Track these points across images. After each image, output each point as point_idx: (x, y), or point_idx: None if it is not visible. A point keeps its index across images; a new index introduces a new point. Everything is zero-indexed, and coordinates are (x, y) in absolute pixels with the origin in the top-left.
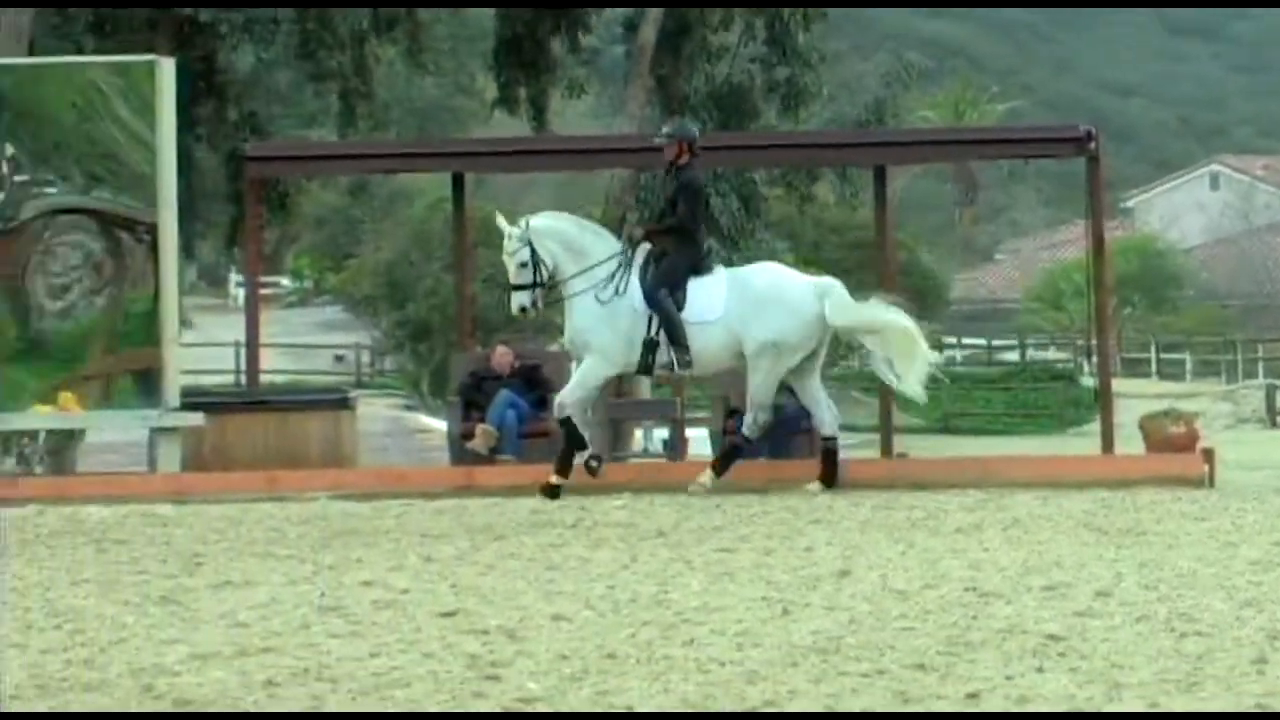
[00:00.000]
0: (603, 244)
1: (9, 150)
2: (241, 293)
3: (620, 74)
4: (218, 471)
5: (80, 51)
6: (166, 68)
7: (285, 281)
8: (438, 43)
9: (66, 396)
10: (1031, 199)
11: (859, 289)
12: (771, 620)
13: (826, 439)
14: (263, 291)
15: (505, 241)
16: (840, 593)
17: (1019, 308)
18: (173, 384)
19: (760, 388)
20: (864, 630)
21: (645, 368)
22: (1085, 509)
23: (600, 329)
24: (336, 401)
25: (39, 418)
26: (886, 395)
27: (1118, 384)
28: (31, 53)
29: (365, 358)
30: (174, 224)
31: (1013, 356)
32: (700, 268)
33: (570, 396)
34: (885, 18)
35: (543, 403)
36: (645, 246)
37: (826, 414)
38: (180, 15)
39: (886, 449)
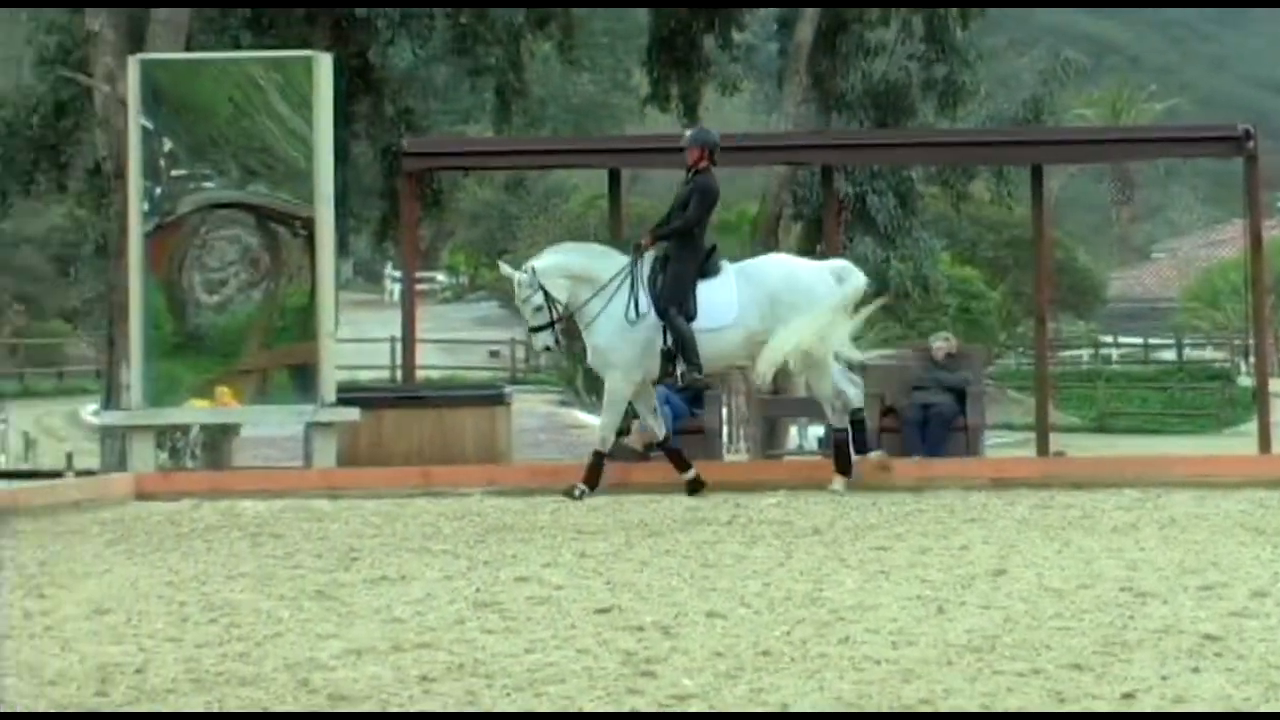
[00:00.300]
0: (609, 263)
1: (167, 145)
2: (397, 288)
3: (775, 70)
4: (373, 467)
5: (238, 47)
6: (324, 63)
7: (441, 277)
8: (594, 38)
9: (223, 391)
10: (1189, 198)
11: (1016, 287)
12: (926, 619)
13: (839, 428)
14: (418, 287)
15: (516, 289)
16: (996, 591)
17: (1176, 307)
18: (329, 379)
19: (822, 387)
20: (1019, 629)
21: (664, 376)
22: (1242, 509)
23: (619, 345)
24: (492, 397)
25: (196, 412)
26: (1044, 394)
27: (1274, 384)
28: (189, 48)
29: (520, 353)
30: (330, 219)
31: (1169, 356)
32: (706, 270)
33: (607, 429)
34: (1043, 14)
35: (698, 400)
36: (650, 255)
37: (850, 388)
38: (337, 11)
39: (1043, 448)
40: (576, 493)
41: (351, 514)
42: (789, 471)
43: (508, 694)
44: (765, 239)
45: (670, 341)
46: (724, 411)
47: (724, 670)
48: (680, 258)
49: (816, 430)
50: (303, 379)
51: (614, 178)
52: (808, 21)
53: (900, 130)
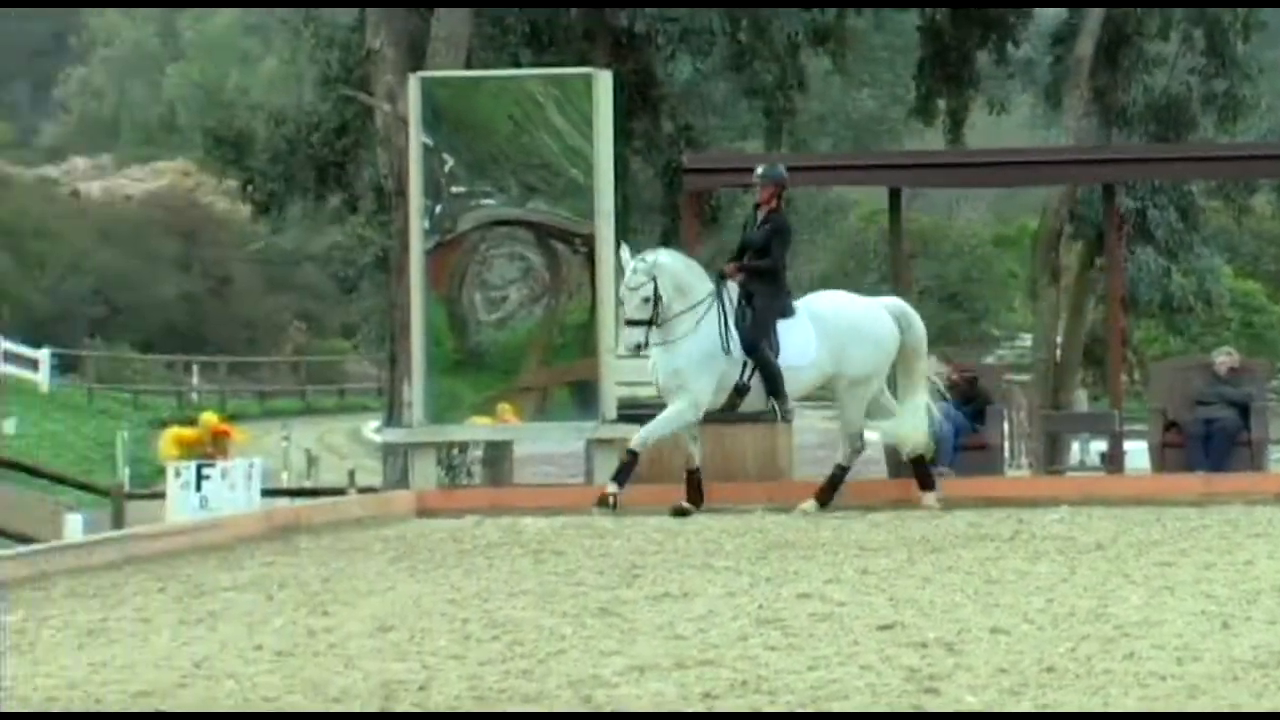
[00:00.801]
0: (702, 284)
1: (447, 162)
2: None
3: (1050, 85)
4: (654, 484)
5: (517, 63)
6: (603, 80)
7: None
8: (873, 53)
9: (504, 408)
10: None
11: None
12: (1212, 634)
13: (843, 465)
14: None
15: (629, 275)
16: None
17: None
18: (609, 396)
19: (853, 419)
20: None
21: (729, 407)
22: None
23: (701, 374)
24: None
25: (478, 429)
26: None
27: None
28: (469, 66)
29: None
30: (611, 235)
31: None
32: (785, 311)
33: (651, 436)
34: None
35: (980, 415)
36: (733, 286)
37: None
38: (616, 27)
39: None
40: (610, 500)
41: (633, 530)
42: (1072, 487)
43: (791, 711)
44: (1046, 254)
45: (748, 376)
46: (1005, 426)
47: (1008, 687)
48: (764, 295)
49: (1099, 445)
50: (583, 396)
51: (894, 195)
52: (1088, 35)
53: (1181, 145)
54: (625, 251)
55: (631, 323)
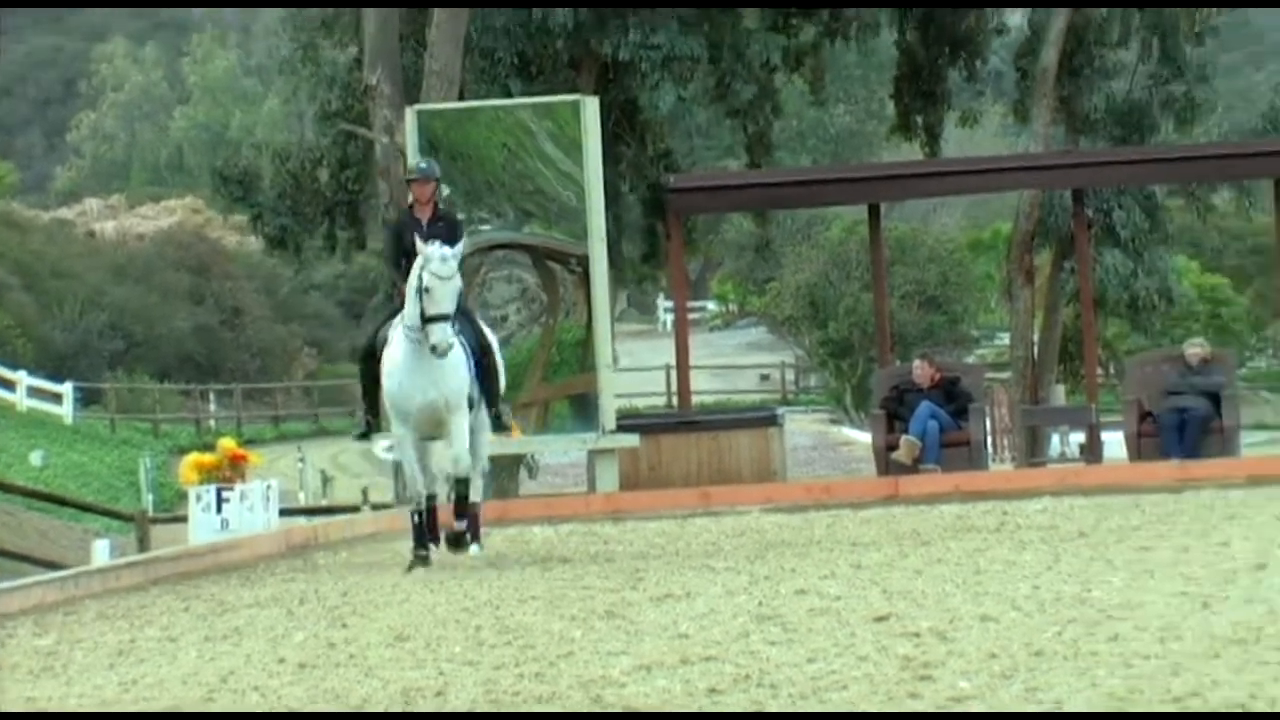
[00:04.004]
0: None
1: (445, 190)
2: (669, 318)
3: (1017, 95)
4: (654, 490)
5: (507, 93)
6: (591, 107)
7: (710, 305)
8: (847, 70)
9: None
10: None
11: (1262, 291)
12: (1192, 614)
13: None
14: (689, 316)
15: None
16: (1258, 585)
17: None
18: (608, 408)
19: None
20: None
21: None
22: None
23: None
24: (765, 419)
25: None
26: None
27: None
28: (462, 97)
29: (789, 375)
30: (604, 255)
31: None
32: None
33: None
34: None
35: (963, 413)
36: None
37: None
38: (601, 55)
39: None
40: None
41: (635, 535)
42: (1053, 478)
43: (793, 703)
44: (1019, 257)
45: None
46: (987, 423)
47: (999, 671)
48: None
49: (1077, 437)
50: (583, 408)
51: (873, 207)
52: (1051, 46)
53: (1144, 148)
54: None
55: (442, 318)
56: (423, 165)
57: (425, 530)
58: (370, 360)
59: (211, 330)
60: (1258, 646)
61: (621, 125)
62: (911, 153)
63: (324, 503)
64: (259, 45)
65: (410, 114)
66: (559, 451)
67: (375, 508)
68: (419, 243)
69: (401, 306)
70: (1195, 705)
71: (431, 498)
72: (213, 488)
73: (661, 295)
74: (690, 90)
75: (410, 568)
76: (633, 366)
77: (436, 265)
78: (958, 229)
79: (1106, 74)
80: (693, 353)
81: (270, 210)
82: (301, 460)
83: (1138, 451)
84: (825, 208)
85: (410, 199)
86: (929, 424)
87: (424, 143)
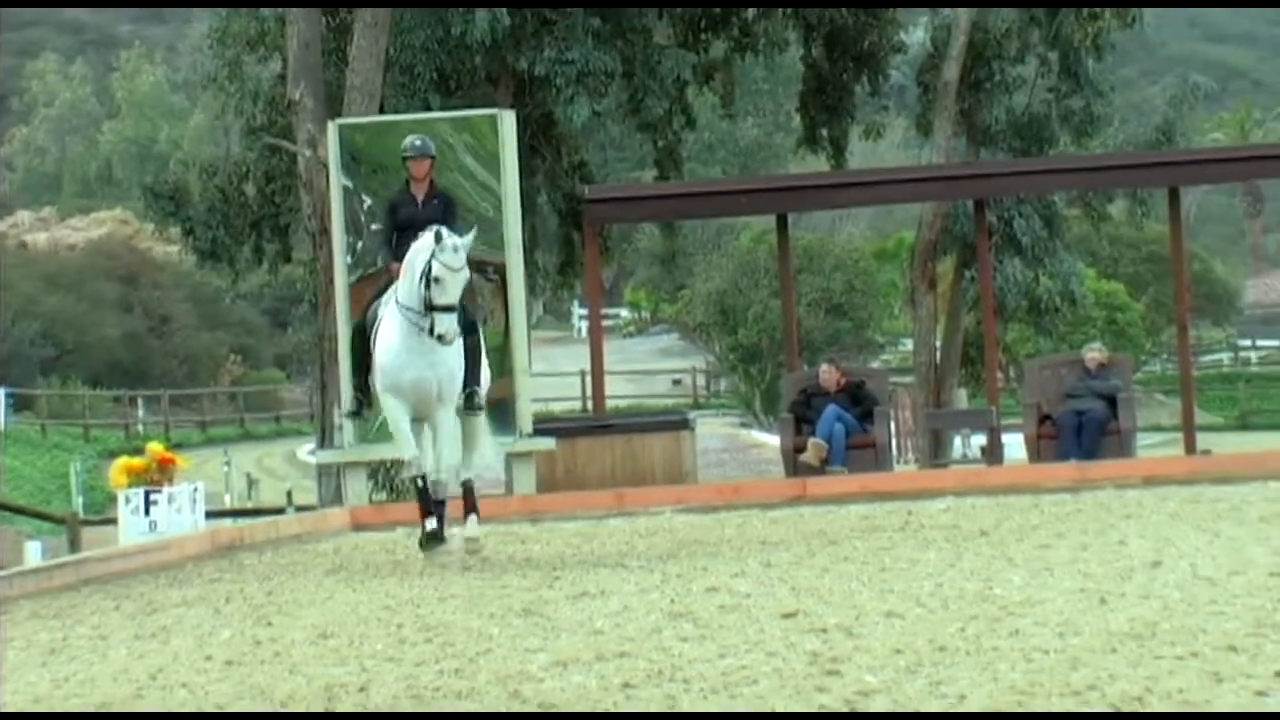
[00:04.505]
0: None
1: (366, 201)
2: (584, 325)
3: (920, 109)
4: (570, 491)
5: (427, 108)
6: (508, 120)
7: (624, 312)
8: (755, 85)
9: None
10: None
11: (1157, 298)
12: (1090, 610)
13: None
14: (604, 323)
15: None
16: (1153, 582)
17: None
18: (525, 412)
19: None
20: (1176, 616)
21: None
22: None
23: None
24: (677, 422)
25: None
26: (1188, 396)
27: None
28: (382, 111)
29: (701, 380)
30: (520, 264)
31: None
32: None
33: None
34: (1171, 44)
35: (868, 416)
36: None
37: None
38: (518, 70)
39: (1190, 446)
40: None
41: (551, 536)
42: (955, 479)
43: (704, 697)
44: (922, 265)
45: None
46: (892, 426)
47: (904, 666)
48: None
49: (979, 439)
50: (501, 413)
51: (781, 218)
52: (953, 61)
53: (1043, 159)
54: None
55: (449, 309)
56: (417, 142)
57: (428, 497)
58: (360, 337)
59: (140, 338)
60: (1153, 641)
61: (538, 138)
62: (818, 164)
63: (249, 505)
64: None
65: (332, 128)
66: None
67: (299, 509)
68: (436, 229)
69: (387, 287)
70: (1093, 698)
71: (423, 477)
72: (141, 490)
73: (576, 303)
74: (604, 104)
75: (423, 546)
76: (549, 372)
77: (449, 256)
78: (863, 238)
79: (1006, 88)
80: (607, 358)
81: (201, 224)
82: (227, 464)
83: (1037, 453)
84: (735, 218)
85: (406, 177)
86: (835, 427)
87: (346, 155)
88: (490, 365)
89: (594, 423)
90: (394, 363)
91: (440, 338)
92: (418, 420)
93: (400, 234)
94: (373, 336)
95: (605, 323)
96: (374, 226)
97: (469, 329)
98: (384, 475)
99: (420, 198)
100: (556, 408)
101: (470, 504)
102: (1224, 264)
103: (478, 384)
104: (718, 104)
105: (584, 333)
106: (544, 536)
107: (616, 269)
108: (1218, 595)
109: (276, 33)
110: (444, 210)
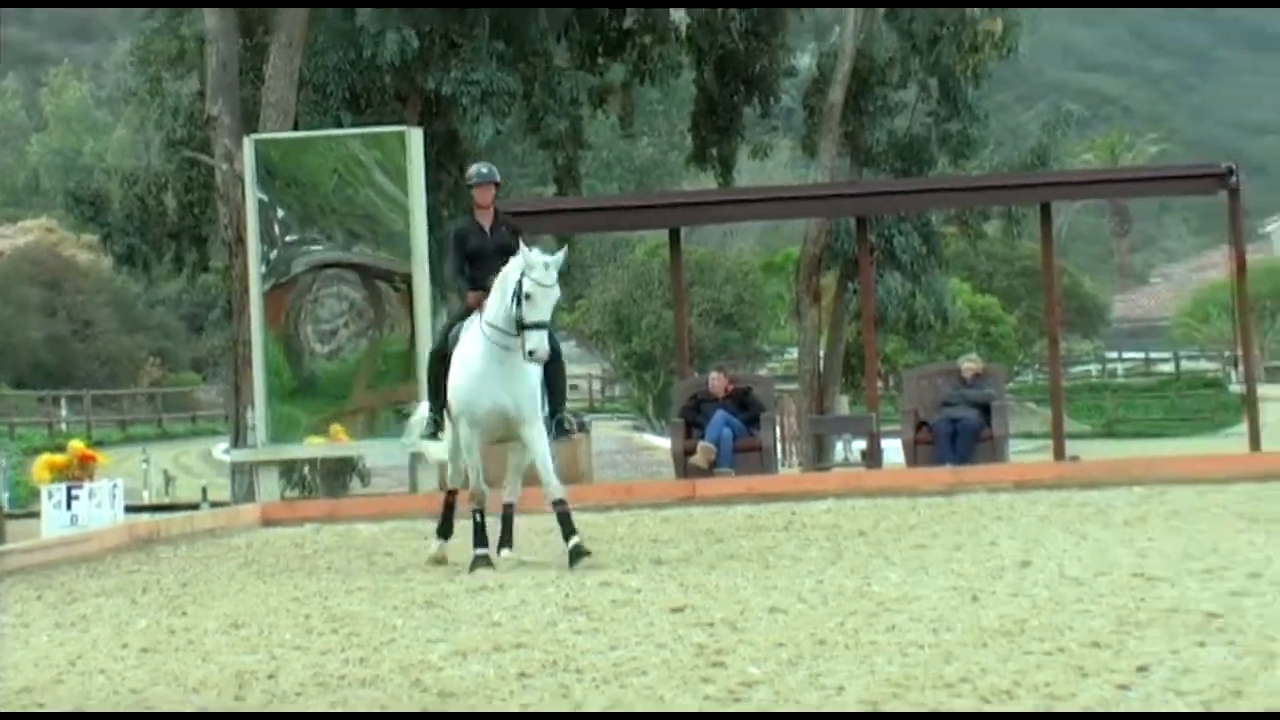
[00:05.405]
0: None
1: (280, 214)
2: None
3: (806, 130)
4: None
5: (338, 125)
6: (415, 137)
7: None
8: (651, 105)
9: (336, 429)
10: (1180, 229)
11: (1029, 311)
12: (962, 607)
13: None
14: None
15: (539, 269)
16: (1023, 581)
17: (1172, 324)
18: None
19: None
20: (1044, 613)
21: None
22: (1236, 500)
23: None
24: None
25: (313, 448)
26: (1058, 405)
27: (1262, 390)
28: (296, 128)
29: (596, 385)
30: (426, 274)
31: (1168, 368)
32: None
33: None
34: (1046, 71)
35: (755, 421)
36: None
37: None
38: (425, 89)
39: (1059, 453)
40: None
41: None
42: (836, 481)
43: (596, 687)
44: (807, 279)
45: None
46: (777, 430)
47: (786, 659)
48: None
49: (860, 444)
50: (405, 416)
51: (674, 232)
52: (838, 85)
53: (922, 179)
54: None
55: (541, 325)
56: (484, 170)
57: (484, 530)
58: (438, 361)
59: (64, 340)
60: (1022, 637)
61: (444, 155)
62: (708, 182)
63: (166, 501)
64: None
65: (248, 143)
66: (384, 455)
67: (214, 505)
68: (523, 248)
69: (466, 314)
70: (965, 691)
71: (481, 511)
72: (63, 486)
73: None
74: (507, 123)
75: (473, 568)
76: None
77: (540, 273)
78: (751, 252)
79: (888, 112)
80: None
81: (119, 230)
82: (146, 461)
83: (914, 458)
84: (630, 232)
85: (473, 205)
86: (723, 431)
87: (261, 169)
88: (395, 371)
89: None
90: (470, 391)
91: (532, 354)
92: (501, 442)
93: (471, 263)
94: (452, 359)
95: None
96: (288, 238)
97: (555, 353)
98: (296, 473)
99: (487, 225)
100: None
101: (568, 527)
102: (1093, 280)
103: (564, 407)
104: (616, 124)
105: None
106: None
107: None
108: (1084, 594)
109: (196, 51)
110: (514, 236)
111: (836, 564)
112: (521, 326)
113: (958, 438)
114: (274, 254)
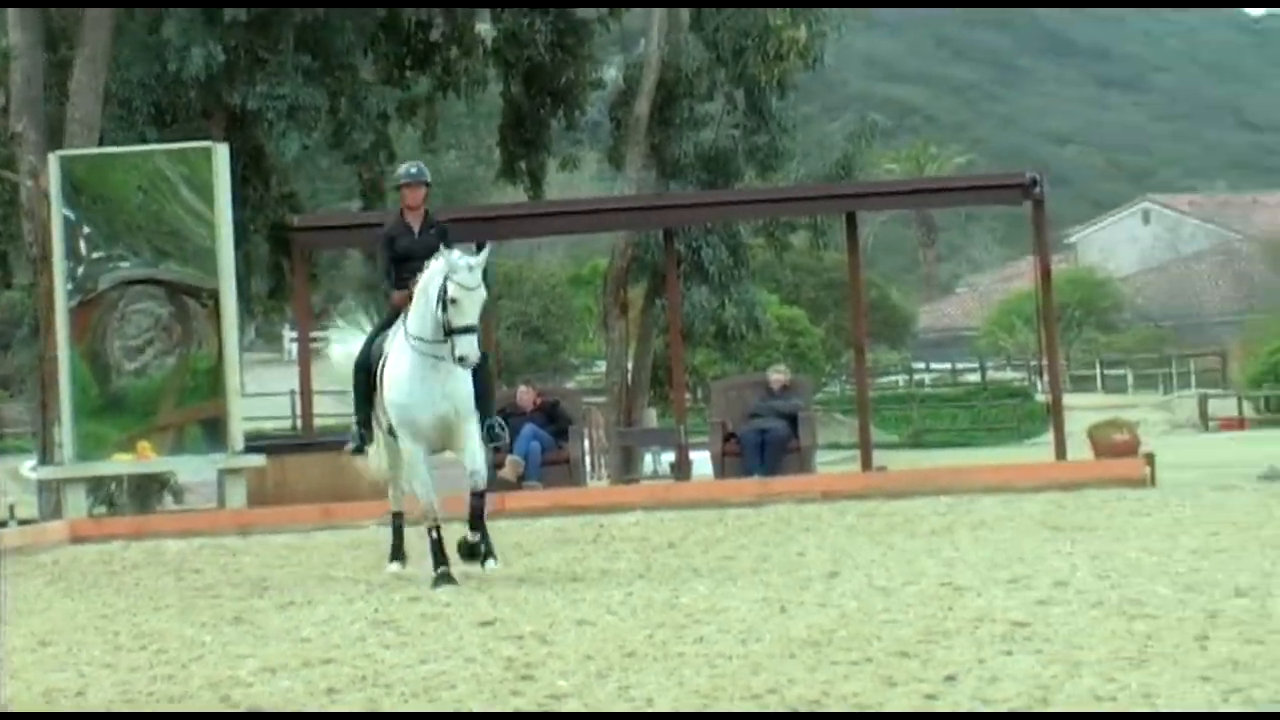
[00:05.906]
0: None
1: (86, 230)
2: (294, 347)
3: (613, 143)
4: (279, 506)
5: (144, 141)
6: (221, 152)
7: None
8: (458, 119)
9: (144, 445)
10: (986, 238)
11: (836, 323)
12: (771, 618)
13: None
14: (313, 345)
15: (463, 272)
16: (830, 591)
17: (978, 334)
18: (237, 431)
19: None
20: (852, 624)
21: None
22: (1042, 509)
23: None
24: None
25: (120, 465)
26: (865, 416)
27: (1067, 398)
28: (102, 144)
29: None
30: (233, 290)
31: (974, 377)
32: None
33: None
34: (851, 83)
35: (563, 434)
36: None
37: None
38: (230, 105)
39: (866, 463)
40: None
41: (261, 548)
42: (645, 494)
43: (405, 701)
44: (614, 291)
45: None
46: (585, 443)
47: (595, 671)
48: None
49: (668, 456)
50: (213, 431)
51: (480, 247)
52: (644, 97)
53: (729, 191)
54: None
55: (470, 330)
56: (413, 169)
57: (442, 547)
58: (364, 373)
59: None
60: (830, 648)
61: (250, 169)
62: (517, 196)
63: None
64: None
65: (54, 159)
66: (192, 471)
67: (21, 523)
68: (443, 250)
69: (393, 316)
70: (773, 701)
71: (437, 527)
72: None
73: (287, 326)
74: (313, 138)
75: (435, 584)
76: (260, 392)
77: (464, 276)
78: (559, 265)
79: (695, 124)
80: (315, 379)
81: None
82: None
83: (722, 469)
84: None
85: (402, 205)
86: (531, 444)
87: (67, 186)
88: (204, 386)
89: (302, 440)
90: (410, 404)
91: (462, 360)
92: (438, 452)
93: (399, 265)
94: (378, 372)
95: (314, 345)
96: (94, 255)
97: (483, 358)
98: (104, 490)
99: (416, 227)
100: (268, 426)
101: (487, 542)
102: (899, 291)
103: (493, 415)
104: (420, 138)
105: (294, 354)
106: (254, 549)
107: (325, 294)
108: (891, 604)
109: (0, 67)
110: (441, 239)
111: (645, 576)
112: (449, 332)
113: (765, 449)
114: (80, 270)
